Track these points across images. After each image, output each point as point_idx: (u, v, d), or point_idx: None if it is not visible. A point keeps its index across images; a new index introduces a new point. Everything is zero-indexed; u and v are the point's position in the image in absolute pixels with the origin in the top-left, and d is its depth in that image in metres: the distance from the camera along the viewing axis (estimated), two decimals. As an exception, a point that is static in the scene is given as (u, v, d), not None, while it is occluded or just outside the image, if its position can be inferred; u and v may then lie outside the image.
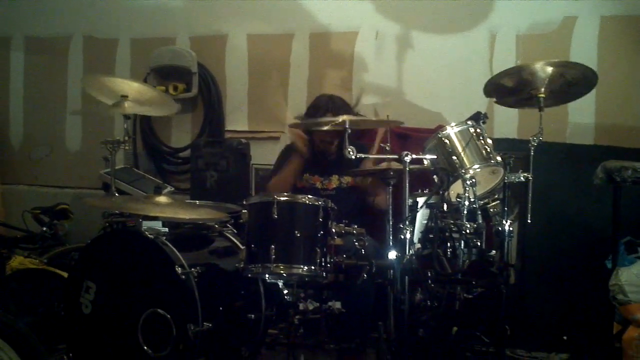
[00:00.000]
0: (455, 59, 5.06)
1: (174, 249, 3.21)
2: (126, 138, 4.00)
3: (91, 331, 3.31)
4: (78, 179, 5.94)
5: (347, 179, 4.26)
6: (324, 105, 4.32)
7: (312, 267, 3.17)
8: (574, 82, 3.48)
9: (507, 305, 3.34)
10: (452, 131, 3.32)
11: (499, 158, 3.32)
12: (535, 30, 4.90)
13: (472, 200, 3.16)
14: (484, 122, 3.37)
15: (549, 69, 3.38)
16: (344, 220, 3.39)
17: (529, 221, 3.48)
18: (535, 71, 3.40)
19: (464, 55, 5.04)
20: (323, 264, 3.20)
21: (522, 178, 3.41)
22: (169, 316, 3.05)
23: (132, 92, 4.00)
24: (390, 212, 3.33)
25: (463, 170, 3.21)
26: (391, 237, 3.22)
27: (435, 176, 3.36)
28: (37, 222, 4.93)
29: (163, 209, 3.35)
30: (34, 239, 4.81)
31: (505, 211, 3.41)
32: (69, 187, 5.96)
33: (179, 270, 3.08)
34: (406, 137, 4.64)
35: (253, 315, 3.37)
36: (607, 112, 4.75)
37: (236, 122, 5.63)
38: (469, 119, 3.37)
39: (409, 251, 3.10)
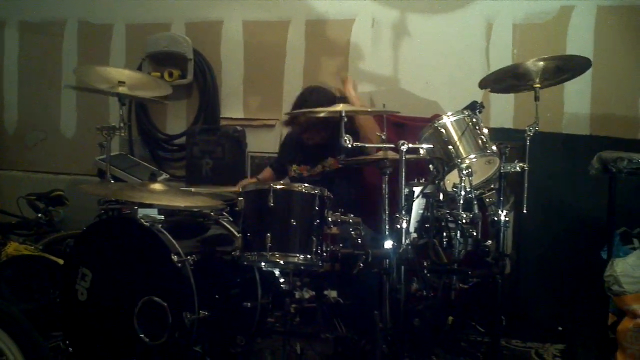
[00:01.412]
0: (451, 47, 5.05)
1: (169, 236, 3.21)
2: (122, 124, 3.99)
3: (87, 318, 3.31)
4: (73, 165, 5.94)
5: (329, 162, 4.26)
6: (309, 93, 4.34)
7: (308, 256, 3.18)
8: (566, 67, 3.50)
9: (503, 296, 3.35)
10: (448, 120, 3.31)
11: (494, 148, 3.32)
12: (531, 20, 4.88)
13: (468, 190, 3.16)
14: (480, 112, 3.36)
15: (541, 64, 3.39)
16: (339, 209, 3.40)
17: (525, 211, 3.48)
18: (528, 67, 3.41)
19: (460, 44, 5.03)
20: (319, 252, 3.21)
21: (518, 168, 3.41)
22: (165, 304, 3.05)
23: (126, 79, 4.00)
24: (386, 201, 3.33)
25: (459, 160, 3.21)
26: (387, 227, 3.22)
27: (431, 165, 3.36)
28: (32, 208, 4.93)
29: (159, 196, 3.34)
30: (29, 225, 4.81)
31: (501, 201, 3.40)
32: (64, 174, 5.96)
33: (174, 258, 3.08)
34: (402, 126, 4.64)
35: (249, 304, 3.38)
36: (603, 103, 4.75)
37: (231, 109, 5.61)
38: (465, 108, 3.37)
39: (405, 241, 3.11)
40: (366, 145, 3.48)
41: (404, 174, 3.15)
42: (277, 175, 4.67)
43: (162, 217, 3.43)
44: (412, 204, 3.35)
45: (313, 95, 4.35)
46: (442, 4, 5.06)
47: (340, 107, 3.38)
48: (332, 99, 4.27)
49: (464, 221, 3.15)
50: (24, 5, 6.14)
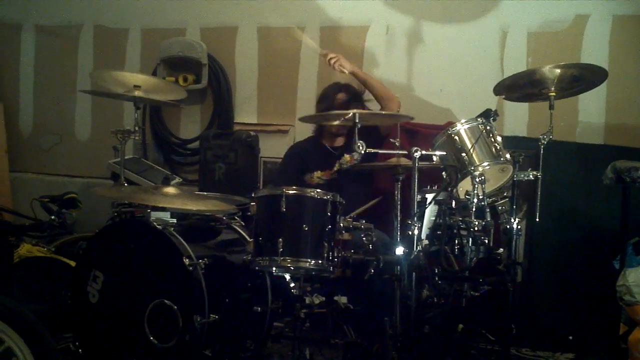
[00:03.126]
0: (466, 55, 5.04)
1: (181, 240, 3.21)
2: (136, 128, 4.00)
3: (98, 320, 3.31)
4: (87, 168, 5.97)
5: (345, 158, 4.28)
6: (335, 90, 4.37)
7: (320, 261, 3.18)
8: (582, 77, 3.48)
9: (514, 304, 3.35)
10: (461, 128, 3.31)
11: (508, 156, 3.32)
12: (546, 28, 4.88)
13: (480, 197, 3.16)
14: (494, 120, 3.36)
15: (557, 71, 3.38)
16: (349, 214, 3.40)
17: (537, 220, 3.48)
18: (544, 74, 3.40)
19: (474, 51, 5.02)
20: (330, 258, 3.21)
21: (531, 176, 3.41)
22: (175, 307, 3.06)
23: (142, 83, 4.02)
24: (399, 207, 3.33)
25: (472, 168, 3.21)
26: (399, 233, 3.22)
27: (444, 173, 3.36)
28: (45, 210, 4.93)
29: (171, 199, 3.36)
30: (42, 227, 4.80)
31: (513, 209, 3.41)
32: (78, 176, 5.99)
33: (186, 261, 3.09)
34: (415, 133, 4.64)
35: (259, 308, 3.37)
36: (618, 112, 4.73)
37: (245, 114, 5.63)
38: (479, 116, 3.36)
39: (416, 247, 3.11)
40: (379, 151, 3.48)
41: (416, 180, 3.16)
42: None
43: (175, 220, 3.43)
44: (424, 211, 3.35)
45: (336, 87, 4.51)
46: (457, 12, 5.06)
47: (353, 111, 3.38)
48: (355, 93, 4.33)
49: (476, 229, 3.14)
50: (41, 9, 6.19)
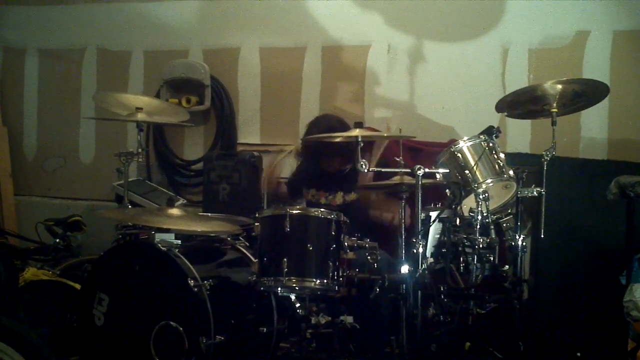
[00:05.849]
0: (467, 73, 5.05)
1: (186, 261, 3.22)
2: (139, 150, 4.02)
3: (104, 343, 3.30)
4: (91, 190, 5.96)
5: (351, 196, 4.28)
6: (319, 124, 4.39)
7: (325, 281, 3.19)
8: (583, 92, 3.49)
9: (520, 321, 3.33)
10: (464, 145, 3.32)
11: (511, 172, 3.32)
12: (547, 45, 4.88)
13: (485, 214, 3.15)
14: (496, 137, 3.37)
15: (559, 87, 3.38)
16: (355, 234, 3.39)
17: (542, 236, 3.47)
18: (546, 90, 3.40)
19: (476, 69, 5.03)
20: (335, 277, 3.21)
21: (535, 193, 3.40)
22: (181, 329, 3.05)
23: (144, 105, 4.04)
24: (403, 226, 3.33)
25: (476, 185, 3.21)
26: (404, 252, 3.22)
27: (448, 190, 3.36)
28: (50, 233, 4.93)
29: (176, 221, 3.36)
30: (46, 251, 4.80)
31: (518, 226, 3.40)
32: (82, 199, 5.98)
33: (191, 282, 3.09)
34: (418, 151, 4.64)
35: (265, 329, 3.37)
36: (621, 127, 4.72)
37: (248, 135, 5.63)
38: (482, 133, 3.37)
39: (421, 265, 3.11)
40: (382, 170, 3.49)
41: (420, 198, 3.16)
42: (290, 193, 4.67)
43: (179, 241, 3.44)
44: (428, 229, 3.35)
45: (322, 123, 4.42)
46: (457, 31, 5.07)
47: (356, 132, 3.40)
48: (342, 125, 4.33)
49: (481, 246, 3.14)
50: (44, 33, 6.20)
